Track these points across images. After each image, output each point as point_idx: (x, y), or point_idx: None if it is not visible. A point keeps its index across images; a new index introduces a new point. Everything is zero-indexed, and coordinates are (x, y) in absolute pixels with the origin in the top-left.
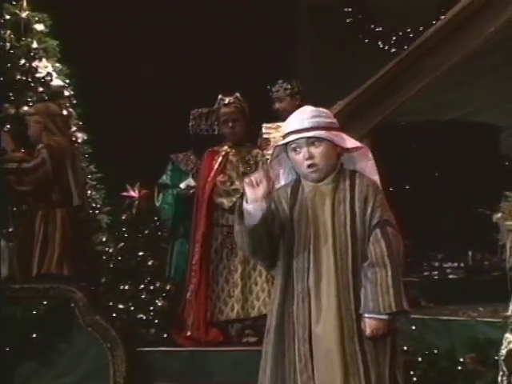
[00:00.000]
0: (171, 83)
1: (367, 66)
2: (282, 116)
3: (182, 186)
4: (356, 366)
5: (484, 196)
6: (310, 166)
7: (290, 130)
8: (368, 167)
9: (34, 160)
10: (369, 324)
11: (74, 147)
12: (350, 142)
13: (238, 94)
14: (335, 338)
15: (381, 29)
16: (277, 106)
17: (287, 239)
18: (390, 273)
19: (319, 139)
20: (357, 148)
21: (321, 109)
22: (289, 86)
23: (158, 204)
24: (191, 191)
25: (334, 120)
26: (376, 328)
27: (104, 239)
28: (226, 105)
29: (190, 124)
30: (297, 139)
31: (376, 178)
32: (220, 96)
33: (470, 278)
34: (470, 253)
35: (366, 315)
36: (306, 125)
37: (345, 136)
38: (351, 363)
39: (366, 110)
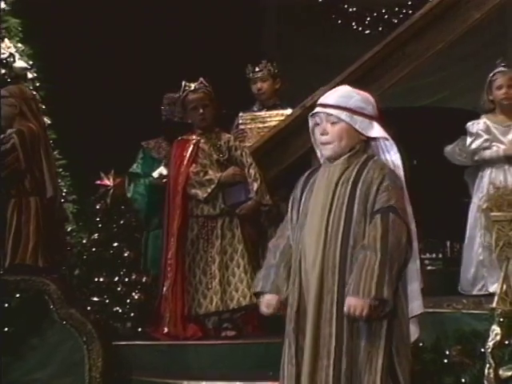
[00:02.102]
0: (140, 65)
1: (340, 47)
2: (260, 99)
3: (155, 174)
4: (327, 349)
5: (462, 185)
6: (323, 143)
7: (318, 102)
8: (392, 159)
9: (3, 146)
10: (347, 302)
11: (47, 134)
12: (375, 131)
13: (202, 79)
14: (311, 319)
15: (354, 9)
16: (259, 86)
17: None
18: (378, 259)
19: (338, 118)
20: (382, 138)
21: (360, 92)
22: (271, 68)
23: (129, 195)
24: (164, 180)
25: (370, 106)
26: (353, 306)
27: (69, 229)
28: (192, 91)
29: (163, 109)
30: (318, 112)
31: (399, 171)
32: (184, 82)
33: (448, 269)
34: (448, 244)
35: (347, 296)
36: (331, 101)
37: (375, 124)
38: (322, 345)
39: None
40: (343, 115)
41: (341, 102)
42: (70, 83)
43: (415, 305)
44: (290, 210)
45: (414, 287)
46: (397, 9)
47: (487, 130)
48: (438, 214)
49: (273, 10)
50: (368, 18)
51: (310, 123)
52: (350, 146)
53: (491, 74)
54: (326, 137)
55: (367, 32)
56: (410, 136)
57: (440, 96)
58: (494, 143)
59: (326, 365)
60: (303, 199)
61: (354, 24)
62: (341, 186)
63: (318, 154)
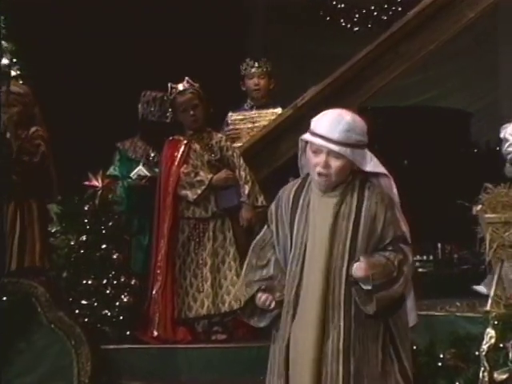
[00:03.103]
0: (122, 64)
1: (328, 44)
2: (255, 96)
3: (133, 176)
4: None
5: (453, 185)
6: (321, 174)
7: (318, 133)
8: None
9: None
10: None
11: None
12: (371, 166)
13: (188, 79)
14: (311, 355)
15: (343, 6)
16: (256, 81)
17: (284, 241)
18: (400, 261)
19: (341, 155)
20: (376, 174)
21: (357, 121)
22: (268, 66)
23: (111, 197)
24: (143, 181)
25: (365, 137)
26: (359, 267)
27: (53, 230)
28: (180, 93)
29: (140, 107)
30: (321, 145)
31: (393, 196)
32: (170, 84)
33: (439, 271)
34: (439, 245)
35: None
36: (336, 137)
37: (368, 156)
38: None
39: (339, 96)
40: (347, 152)
41: (345, 137)
42: (54, 81)
43: (411, 316)
44: (274, 227)
45: (409, 298)
46: (386, 6)
47: None
48: (429, 215)
49: (261, 8)
50: (357, 15)
51: (301, 144)
52: (346, 177)
53: None
54: (327, 171)
55: (356, 29)
56: (400, 136)
57: (428, 95)
58: None
59: None
60: (295, 226)
61: (342, 21)
62: (341, 221)
63: (303, 173)
